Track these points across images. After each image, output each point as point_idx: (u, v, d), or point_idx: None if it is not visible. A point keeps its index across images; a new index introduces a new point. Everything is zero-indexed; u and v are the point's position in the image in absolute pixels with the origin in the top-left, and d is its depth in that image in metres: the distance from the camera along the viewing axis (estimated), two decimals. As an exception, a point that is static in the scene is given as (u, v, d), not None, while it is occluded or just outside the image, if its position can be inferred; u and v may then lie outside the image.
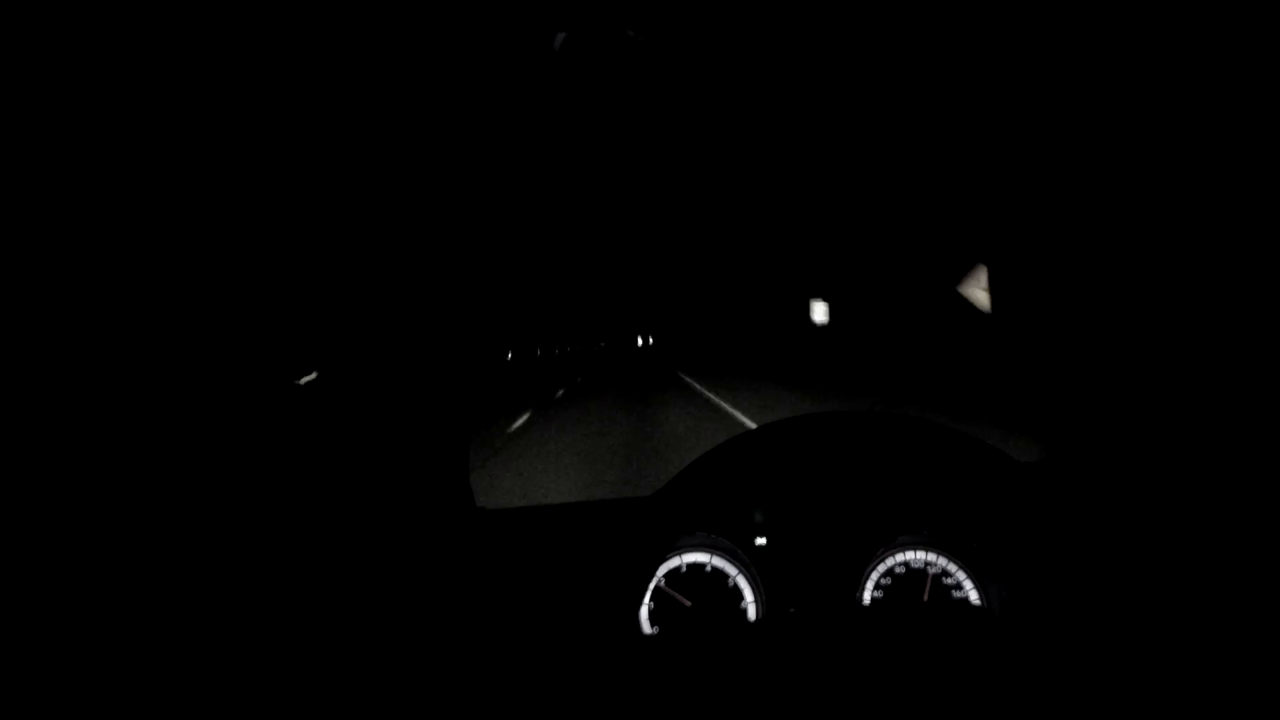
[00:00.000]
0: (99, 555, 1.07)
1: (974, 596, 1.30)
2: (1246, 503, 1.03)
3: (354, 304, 1.34)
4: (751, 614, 1.29)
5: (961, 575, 1.31)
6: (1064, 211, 1.20)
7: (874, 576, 1.31)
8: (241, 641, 1.07)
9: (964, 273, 1.39)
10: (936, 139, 1.21)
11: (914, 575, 1.32)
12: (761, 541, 1.29)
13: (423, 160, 1.29)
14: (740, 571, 1.31)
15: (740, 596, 1.30)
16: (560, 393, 19.52)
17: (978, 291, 1.37)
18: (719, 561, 1.32)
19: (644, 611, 1.30)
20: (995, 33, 0.95)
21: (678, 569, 1.32)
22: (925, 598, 1.31)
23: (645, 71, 1.04)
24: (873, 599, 1.31)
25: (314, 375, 1.31)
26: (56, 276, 1.05)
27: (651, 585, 1.30)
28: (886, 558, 1.32)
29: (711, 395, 16.50)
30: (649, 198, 1.51)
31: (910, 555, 1.32)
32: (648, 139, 1.25)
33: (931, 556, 1.32)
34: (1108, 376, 1.17)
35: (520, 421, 12.65)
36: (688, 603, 1.31)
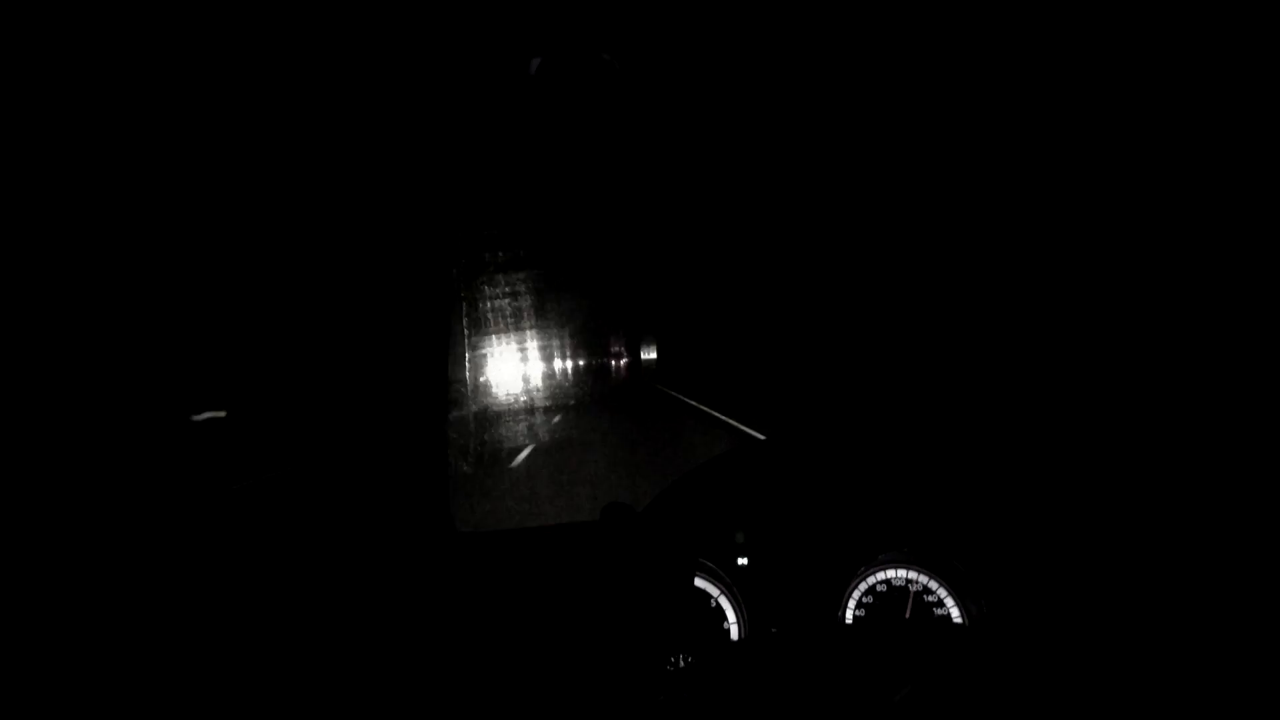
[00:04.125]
0: (97, 573, 1.05)
1: (955, 613, 1.30)
2: (1230, 516, 1.05)
3: (336, 331, 1.33)
4: (734, 634, 1.29)
5: (943, 592, 1.31)
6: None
7: (855, 595, 1.31)
8: (223, 659, 1.05)
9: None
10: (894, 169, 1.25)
11: (895, 593, 1.32)
12: (743, 562, 1.28)
13: (405, 182, 1.29)
14: (722, 592, 1.30)
15: (723, 617, 1.30)
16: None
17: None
18: (701, 582, 1.31)
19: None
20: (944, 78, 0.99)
21: None
22: (907, 615, 1.31)
23: (616, 94, 1.05)
24: (855, 617, 1.30)
25: (298, 395, 1.30)
26: (59, 285, 1.04)
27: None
28: (868, 576, 1.32)
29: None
30: (626, 209, 1.52)
31: (891, 573, 1.32)
32: (622, 156, 1.26)
33: (913, 574, 1.32)
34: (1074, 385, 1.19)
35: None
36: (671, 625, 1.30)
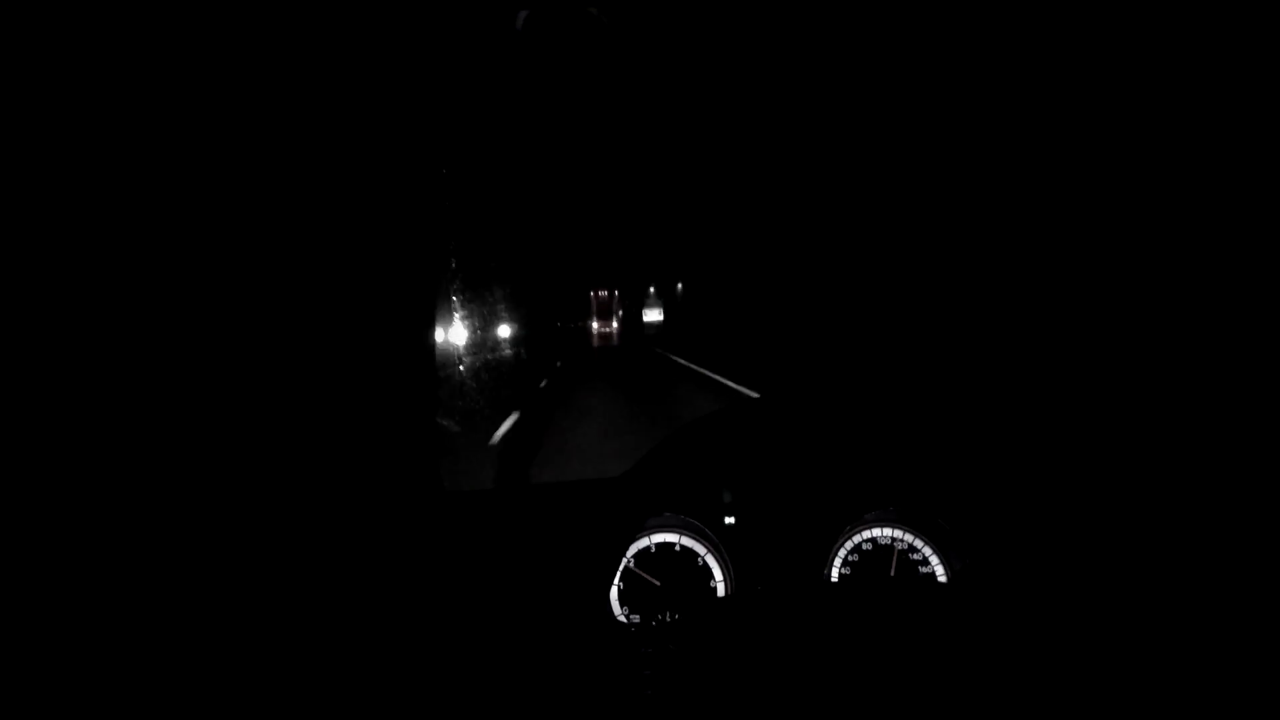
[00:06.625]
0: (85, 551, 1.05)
1: (940, 571, 1.32)
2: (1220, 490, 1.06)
3: (313, 283, 1.31)
4: (720, 592, 1.31)
5: (928, 550, 1.33)
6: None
7: (841, 553, 1.33)
8: (208, 632, 1.06)
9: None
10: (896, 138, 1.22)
11: (881, 551, 1.34)
12: (730, 520, 1.30)
13: (383, 142, 1.26)
14: (709, 550, 1.32)
15: (709, 575, 1.32)
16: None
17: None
18: (688, 541, 1.33)
19: (614, 592, 1.31)
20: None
21: (647, 549, 1.33)
22: (892, 573, 1.33)
23: (607, 48, 1.03)
24: (840, 575, 1.33)
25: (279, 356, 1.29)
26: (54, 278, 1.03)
27: (621, 566, 1.31)
28: (854, 534, 1.34)
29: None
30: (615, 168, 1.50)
31: (877, 532, 1.34)
32: (611, 115, 1.24)
33: (898, 532, 1.34)
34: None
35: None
36: (657, 582, 1.32)
